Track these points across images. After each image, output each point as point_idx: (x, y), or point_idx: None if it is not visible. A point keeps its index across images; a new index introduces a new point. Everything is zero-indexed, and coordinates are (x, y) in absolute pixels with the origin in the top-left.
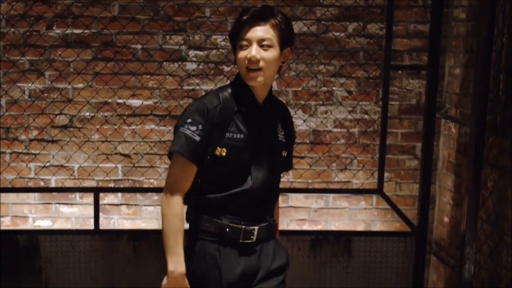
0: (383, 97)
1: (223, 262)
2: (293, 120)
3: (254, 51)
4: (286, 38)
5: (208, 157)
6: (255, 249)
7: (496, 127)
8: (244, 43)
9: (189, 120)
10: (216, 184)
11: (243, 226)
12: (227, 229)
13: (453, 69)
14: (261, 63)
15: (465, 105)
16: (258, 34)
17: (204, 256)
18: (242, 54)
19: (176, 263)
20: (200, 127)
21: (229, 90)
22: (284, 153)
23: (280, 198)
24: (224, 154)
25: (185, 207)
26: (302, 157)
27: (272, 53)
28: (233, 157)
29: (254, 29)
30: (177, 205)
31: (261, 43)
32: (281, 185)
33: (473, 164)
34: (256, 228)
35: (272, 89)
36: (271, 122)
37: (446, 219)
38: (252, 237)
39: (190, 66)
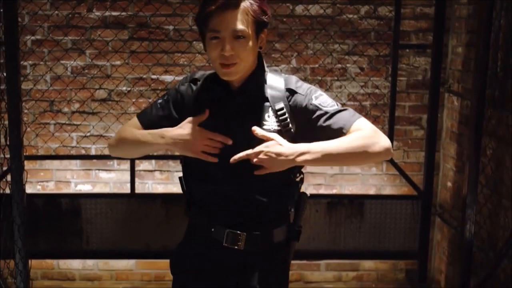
0: (392, 73)
1: (204, 262)
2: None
3: (227, 47)
4: (261, 22)
5: None
6: (242, 260)
7: (495, 100)
8: (215, 35)
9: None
10: (194, 175)
11: (227, 229)
12: (213, 229)
13: (455, 48)
14: (236, 58)
15: (467, 80)
16: (230, 25)
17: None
18: (213, 48)
19: (157, 135)
20: (165, 97)
21: (206, 74)
22: None
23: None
24: None
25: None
26: None
27: (247, 44)
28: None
29: (224, 18)
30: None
31: (234, 34)
32: None
33: (473, 134)
34: (243, 234)
35: (267, 71)
36: (251, 109)
37: (449, 184)
38: (239, 243)
39: None
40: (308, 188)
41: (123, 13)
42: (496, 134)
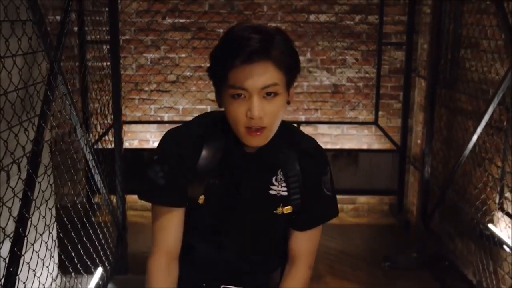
0: (377, 63)
1: None
2: (317, 77)
3: (256, 108)
4: (293, 74)
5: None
6: None
7: (446, 82)
8: (238, 92)
9: (155, 157)
10: (195, 228)
11: (221, 285)
12: (204, 284)
13: (422, 45)
14: (266, 121)
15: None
16: (259, 82)
17: None
18: (237, 108)
19: None
20: (165, 167)
21: (215, 124)
22: (283, 209)
23: (311, 128)
24: (201, 201)
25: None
26: (326, 101)
27: (278, 103)
28: (211, 208)
29: (252, 73)
30: (158, 272)
31: (263, 92)
32: (312, 118)
33: (429, 106)
34: None
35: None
36: (259, 170)
37: (419, 141)
38: None
39: None
40: None
41: (187, 20)
42: (447, 105)
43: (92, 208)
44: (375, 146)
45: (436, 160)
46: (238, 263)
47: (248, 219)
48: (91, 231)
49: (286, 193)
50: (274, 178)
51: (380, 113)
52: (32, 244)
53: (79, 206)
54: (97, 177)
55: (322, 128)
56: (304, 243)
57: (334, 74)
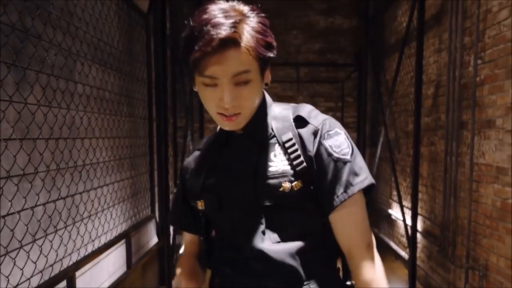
0: None
1: None
2: None
3: (227, 96)
4: (266, 58)
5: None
6: None
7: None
8: (209, 81)
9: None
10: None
11: None
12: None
13: None
14: (239, 107)
15: None
16: (230, 70)
17: None
18: (209, 98)
19: None
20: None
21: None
22: (292, 185)
23: None
24: (201, 206)
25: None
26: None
27: (252, 90)
28: (212, 211)
29: (222, 60)
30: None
31: (235, 80)
32: None
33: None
34: None
35: (271, 105)
36: (254, 151)
37: None
38: None
39: None
40: None
41: None
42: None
43: None
44: None
45: None
46: (261, 266)
47: (257, 207)
48: None
49: (288, 167)
50: (272, 154)
51: None
52: None
53: None
54: None
55: None
56: (344, 224)
57: None
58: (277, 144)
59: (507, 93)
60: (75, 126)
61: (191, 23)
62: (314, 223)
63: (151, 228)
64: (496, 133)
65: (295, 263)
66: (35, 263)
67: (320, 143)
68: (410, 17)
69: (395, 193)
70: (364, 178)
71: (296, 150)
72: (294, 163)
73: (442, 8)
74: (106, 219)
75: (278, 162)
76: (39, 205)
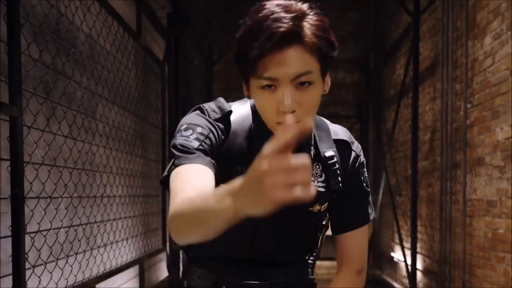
0: None
1: None
2: None
3: (287, 100)
4: (329, 59)
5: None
6: None
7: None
8: (267, 82)
9: (183, 127)
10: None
11: (243, 281)
12: (223, 287)
13: None
14: (300, 115)
15: None
16: (291, 71)
17: None
18: (267, 100)
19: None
20: (198, 129)
21: (247, 109)
22: (321, 207)
23: None
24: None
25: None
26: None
27: (313, 94)
28: None
29: (282, 60)
30: (185, 198)
31: (295, 82)
32: None
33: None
34: (265, 284)
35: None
36: None
37: None
38: None
39: None
40: None
41: None
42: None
43: None
44: None
45: None
46: (263, 259)
47: (280, 215)
48: None
49: (323, 189)
50: (318, 169)
51: None
52: None
53: None
54: None
55: None
56: (349, 245)
57: None
58: (316, 164)
59: (493, 132)
60: (95, 162)
61: (247, 21)
62: (313, 233)
63: (163, 265)
64: (485, 169)
65: (288, 255)
66: (56, 284)
67: (358, 171)
68: (405, 70)
69: (397, 236)
70: (373, 210)
71: (336, 170)
72: (331, 182)
73: (435, 60)
74: (120, 252)
75: (315, 183)
76: (65, 227)
